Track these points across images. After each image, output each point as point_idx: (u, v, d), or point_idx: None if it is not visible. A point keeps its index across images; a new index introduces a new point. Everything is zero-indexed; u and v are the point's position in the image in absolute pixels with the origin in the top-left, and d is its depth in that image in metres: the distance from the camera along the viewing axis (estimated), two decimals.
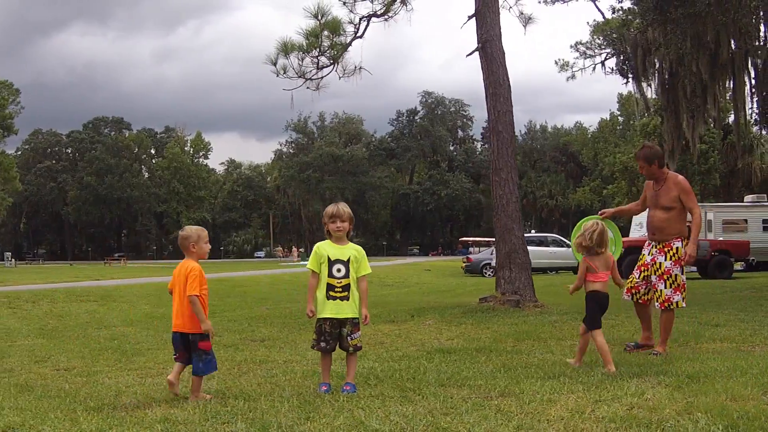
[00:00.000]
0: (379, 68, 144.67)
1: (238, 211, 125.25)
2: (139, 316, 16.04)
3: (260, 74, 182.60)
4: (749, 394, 5.82)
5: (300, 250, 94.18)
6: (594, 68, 56.30)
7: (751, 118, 25.20)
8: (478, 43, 14.91)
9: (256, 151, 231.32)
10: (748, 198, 42.93)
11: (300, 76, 13.77)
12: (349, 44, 13.93)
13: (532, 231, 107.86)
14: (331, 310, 6.45)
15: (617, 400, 5.79)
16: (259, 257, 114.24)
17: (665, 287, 8.48)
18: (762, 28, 22.21)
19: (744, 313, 13.27)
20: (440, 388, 6.41)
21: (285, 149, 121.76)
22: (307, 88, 14.04)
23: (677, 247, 8.52)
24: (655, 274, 8.58)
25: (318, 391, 6.39)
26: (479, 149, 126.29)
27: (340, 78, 13.68)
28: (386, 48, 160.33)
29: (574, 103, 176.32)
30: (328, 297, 6.45)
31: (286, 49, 13.34)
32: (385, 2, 14.27)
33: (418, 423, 5.13)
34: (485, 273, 42.00)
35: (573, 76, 46.72)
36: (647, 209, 8.93)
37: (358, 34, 14.13)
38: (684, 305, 8.67)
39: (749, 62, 22.32)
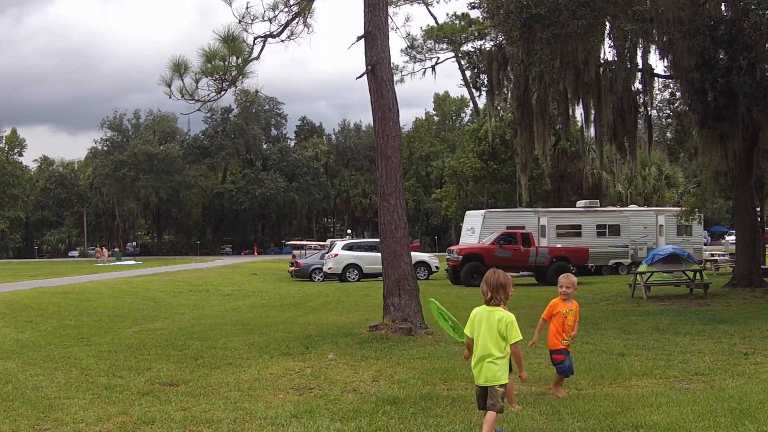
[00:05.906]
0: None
1: (51, 210, 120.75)
2: (7, 343, 14.50)
3: (75, 67, 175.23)
4: None
5: (115, 249, 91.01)
6: (424, 72, 56.87)
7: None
8: (367, 66, 14.68)
9: (68, 146, 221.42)
10: (580, 203, 44.03)
11: (197, 100, 13.04)
12: (245, 65, 13.33)
13: (348, 231, 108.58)
14: None
15: None
16: (73, 257, 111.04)
17: None
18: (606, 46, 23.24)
19: (633, 335, 13.84)
20: None
21: (100, 147, 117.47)
22: (199, 110, 13.42)
23: None
24: None
25: None
26: (293, 147, 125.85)
27: (239, 105, 13.11)
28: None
29: None
30: None
31: (179, 69, 12.61)
32: (282, 23, 13.80)
33: None
34: (314, 278, 41.89)
35: (402, 80, 47.03)
36: None
37: (254, 56, 13.61)
38: None
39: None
